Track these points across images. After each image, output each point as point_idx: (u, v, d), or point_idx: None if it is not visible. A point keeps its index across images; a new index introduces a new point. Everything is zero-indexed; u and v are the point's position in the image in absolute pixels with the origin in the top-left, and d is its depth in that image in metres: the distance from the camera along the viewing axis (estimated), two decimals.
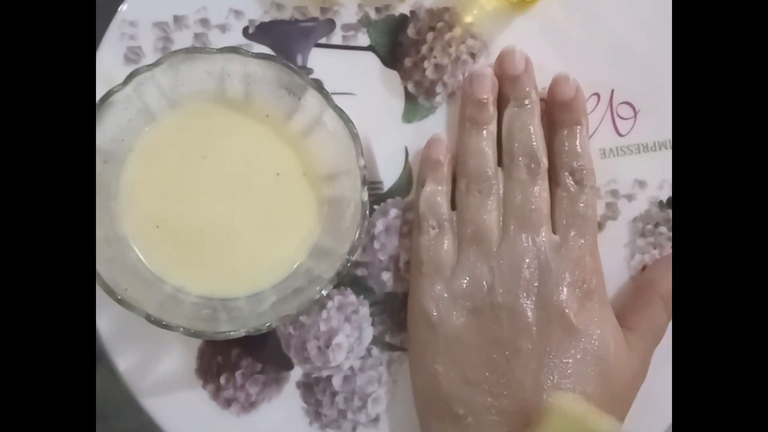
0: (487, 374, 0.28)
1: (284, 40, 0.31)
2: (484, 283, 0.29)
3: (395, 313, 0.31)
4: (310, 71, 0.31)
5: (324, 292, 0.26)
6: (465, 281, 0.29)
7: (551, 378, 0.28)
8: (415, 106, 0.31)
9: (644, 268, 0.31)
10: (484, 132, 0.30)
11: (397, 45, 0.31)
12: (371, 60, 0.31)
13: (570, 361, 0.28)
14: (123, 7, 0.30)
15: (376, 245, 0.31)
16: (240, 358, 0.30)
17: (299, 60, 0.31)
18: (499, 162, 0.30)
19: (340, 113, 0.26)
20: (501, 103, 0.30)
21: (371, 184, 0.31)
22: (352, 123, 0.27)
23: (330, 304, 0.31)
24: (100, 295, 0.25)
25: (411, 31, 0.31)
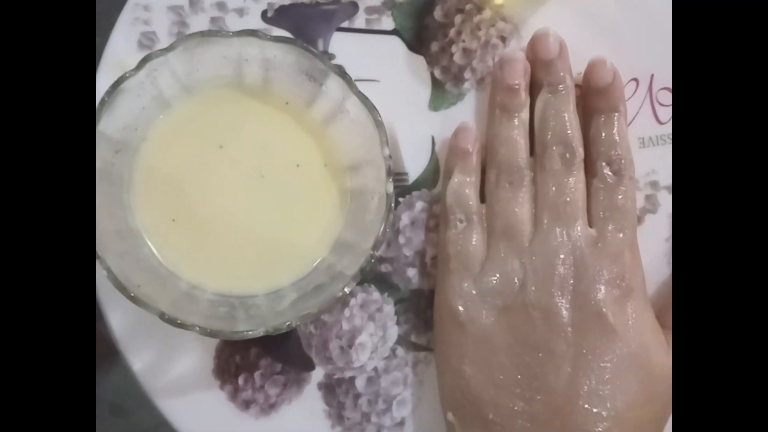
0: (519, 377, 0.27)
1: (305, 24, 0.29)
2: (516, 280, 0.27)
3: (421, 311, 0.30)
4: (332, 56, 0.29)
5: (347, 290, 0.25)
6: (495, 278, 0.27)
7: (587, 382, 0.26)
8: (442, 93, 0.30)
9: None
10: (516, 120, 0.29)
11: (423, 28, 0.30)
12: (396, 44, 0.30)
13: (608, 365, 0.26)
14: None
15: (401, 240, 0.30)
16: (259, 358, 0.29)
17: (320, 45, 0.29)
18: (532, 152, 0.29)
19: (364, 100, 0.25)
20: (533, 89, 0.29)
21: (396, 175, 0.29)
22: (377, 111, 0.25)
23: (353, 301, 0.29)
24: (113, 291, 0.24)
25: (438, 13, 0.30)
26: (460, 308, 0.28)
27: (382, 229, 0.25)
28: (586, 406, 0.26)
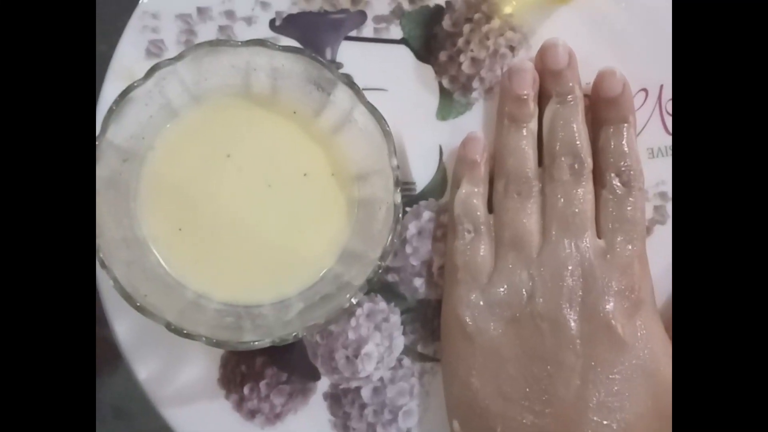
0: (527, 390, 0.26)
1: (313, 33, 0.29)
2: (524, 292, 0.27)
3: (428, 321, 0.29)
4: (339, 65, 0.29)
5: (354, 300, 0.25)
6: (503, 289, 0.27)
7: (596, 395, 0.26)
8: (450, 102, 0.30)
9: None
10: (524, 130, 0.28)
11: (431, 38, 0.30)
12: (404, 54, 0.30)
13: (617, 377, 0.26)
14: None
15: (408, 249, 0.29)
16: (265, 367, 0.29)
17: (328, 54, 0.29)
18: (540, 162, 0.29)
19: (372, 110, 0.25)
20: (542, 99, 0.29)
21: (404, 184, 0.29)
22: (385, 120, 0.25)
23: (359, 311, 0.29)
24: (118, 300, 0.24)
25: (446, 22, 0.30)
26: (468, 319, 0.27)
27: (389, 239, 0.25)
28: (596, 418, 0.26)
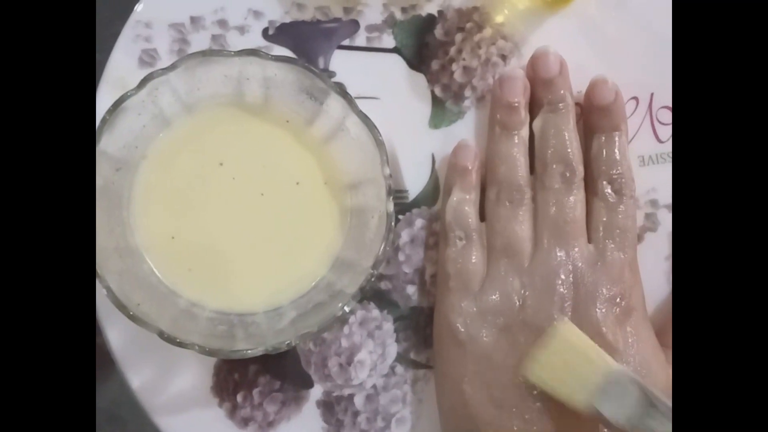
0: (518, 397, 0.26)
1: (305, 42, 0.29)
2: (516, 299, 0.27)
3: (420, 328, 0.30)
4: (332, 74, 0.29)
5: (347, 309, 0.25)
6: (495, 296, 0.27)
7: None
8: (442, 110, 0.30)
9: None
10: (516, 138, 0.28)
11: (423, 46, 0.30)
12: (397, 62, 0.30)
13: None
14: (138, 8, 0.29)
15: (401, 257, 0.30)
16: (258, 375, 0.29)
17: (321, 62, 0.29)
18: (532, 170, 0.29)
19: (364, 119, 0.25)
20: (533, 107, 0.29)
21: (396, 193, 0.29)
22: (377, 129, 0.25)
23: (352, 319, 0.29)
24: (112, 309, 0.24)
25: (438, 32, 0.30)
26: (460, 326, 0.27)
27: (382, 248, 0.25)
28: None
